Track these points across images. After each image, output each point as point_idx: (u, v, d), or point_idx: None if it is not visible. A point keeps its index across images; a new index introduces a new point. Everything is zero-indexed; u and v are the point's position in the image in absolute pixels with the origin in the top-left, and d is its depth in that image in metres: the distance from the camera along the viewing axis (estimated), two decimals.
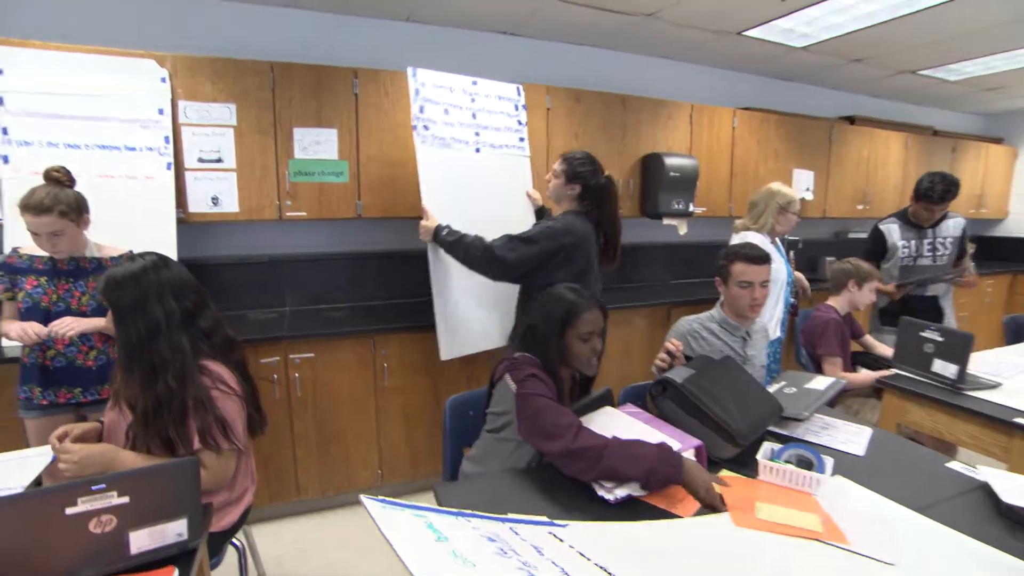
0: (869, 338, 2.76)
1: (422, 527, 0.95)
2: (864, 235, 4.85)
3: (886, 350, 2.62)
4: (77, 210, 1.79)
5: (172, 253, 2.36)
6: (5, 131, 2.20)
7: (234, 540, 1.59)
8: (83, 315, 1.84)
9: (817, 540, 1.11)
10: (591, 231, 2.24)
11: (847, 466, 1.41)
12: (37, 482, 1.37)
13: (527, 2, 2.89)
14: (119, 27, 2.61)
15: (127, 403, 1.33)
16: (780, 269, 2.55)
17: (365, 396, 2.66)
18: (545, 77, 3.34)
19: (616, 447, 1.25)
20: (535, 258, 2.11)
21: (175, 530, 1.08)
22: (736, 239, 2.60)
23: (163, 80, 2.39)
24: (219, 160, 2.55)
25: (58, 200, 1.73)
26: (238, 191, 2.60)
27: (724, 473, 1.38)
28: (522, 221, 2.52)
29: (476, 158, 2.57)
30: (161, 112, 2.39)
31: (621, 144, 3.44)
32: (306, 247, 3.10)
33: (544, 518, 1.15)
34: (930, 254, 2.90)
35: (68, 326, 1.74)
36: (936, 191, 2.75)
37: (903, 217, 2.98)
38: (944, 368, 2.02)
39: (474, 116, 2.58)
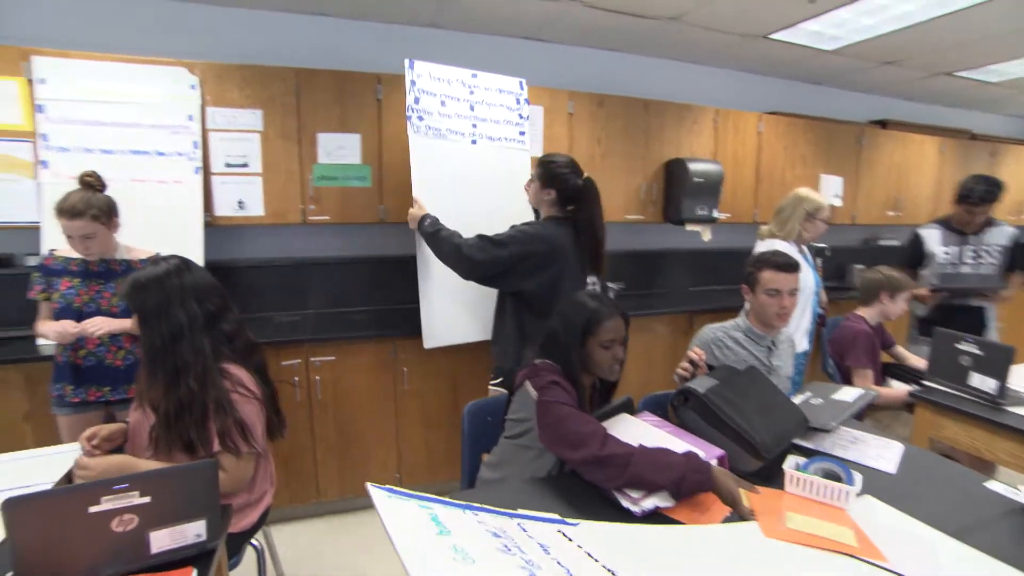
0: (900, 349, 2.66)
1: (426, 519, 0.94)
2: (896, 242, 4.77)
3: (918, 362, 2.53)
4: (108, 214, 1.85)
5: (199, 255, 2.42)
6: (45, 137, 2.28)
7: (253, 541, 1.60)
8: (113, 315, 1.88)
9: (851, 556, 1.06)
10: (570, 237, 2.14)
11: (877, 484, 1.35)
12: (67, 477, 1.40)
13: (550, 7, 2.88)
14: (152, 37, 2.69)
15: (150, 405, 1.35)
16: (807, 278, 2.47)
17: (384, 399, 2.68)
18: (567, 82, 3.32)
19: (643, 455, 1.24)
20: (503, 262, 2.04)
21: (194, 531, 1.09)
22: (761, 246, 2.53)
23: (193, 87, 2.45)
24: (245, 165, 2.60)
25: (90, 204, 1.79)
26: (263, 195, 2.65)
27: None
28: (519, 216, 2.47)
29: (472, 150, 2.56)
30: (191, 118, 2.45)
31: (644, 149, 3.40)
32: (329, 251, 3.14)
33: (556, 516, 1.12)
34: (972, 262, 2.78)
35: (98, 325, 1.79)
36: (976, 192, 2.65)
37: (945, 223, 2.87)
38: (982, 382, 1.94)
39: (472, 108, 2.57)
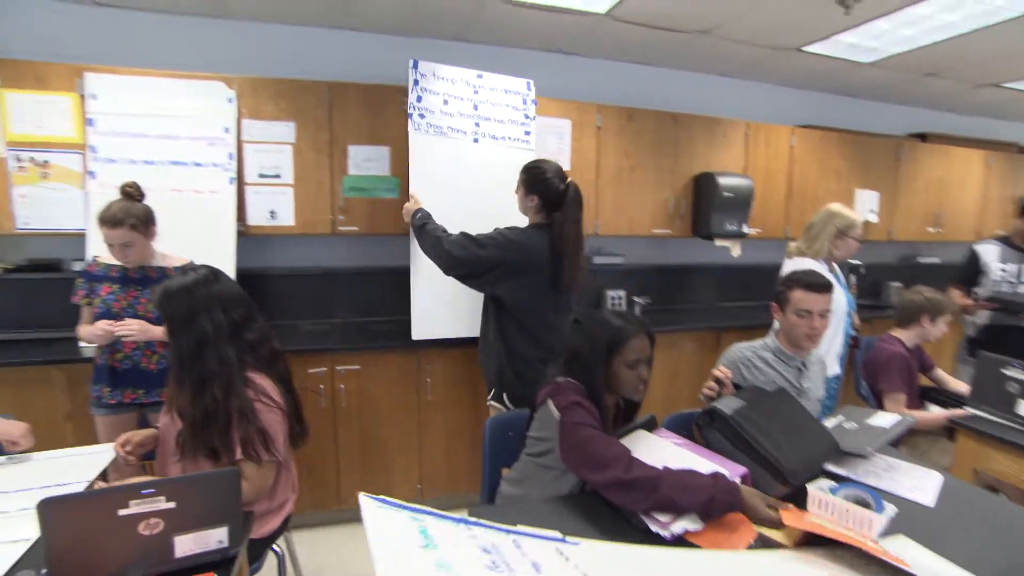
0: (941, 372, 2.55)
1: (414, 532, 0.93)
2: (936, 260, 4.60)
3: (960, 386, 2.41)
4: (145, 223, 1.92)
5: (231, 263, 2.49)
6: (94, 149, 2.40)
7: (274, 546, 1.62)
8: (149, 320, 1.95)
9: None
10: (548, 247, 2.08)
11: (913, 517, 1.28)
12: (103, 476, 1.45)
13: (578, 21, 2.90)
14: (193, 53, 2.80)
15: (178, 411, 1.39)
16: (839, 299, 2.38)
17: (407, 409, 2.69)
18: (596, 95, 3.32)
19: (670, 477, 1.22)
20: (478, 262, 2.04)
21: (216, 537, 1.11)
22: (789, 265, 2.45)
23: (230, 100, 2.54)
24: (278, 176, 2.68)
25: (129, 214, 1.87)
26: (294, 205, 2.72)
27: None
28: (519, 215, 2.46)
29: (473, 148, 2.58)
30: (227, 130, 2.54)
31: (673, 163, 3.37)
32: (357, 261, 3.19)
33: (557, 534, 1.10)
34: None
35: (130, 328, 1.85)
36: None
37: (1005, 240, 2.76)
38: None
39: (476, 107, 2.59)
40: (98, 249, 2.07)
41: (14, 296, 2.67)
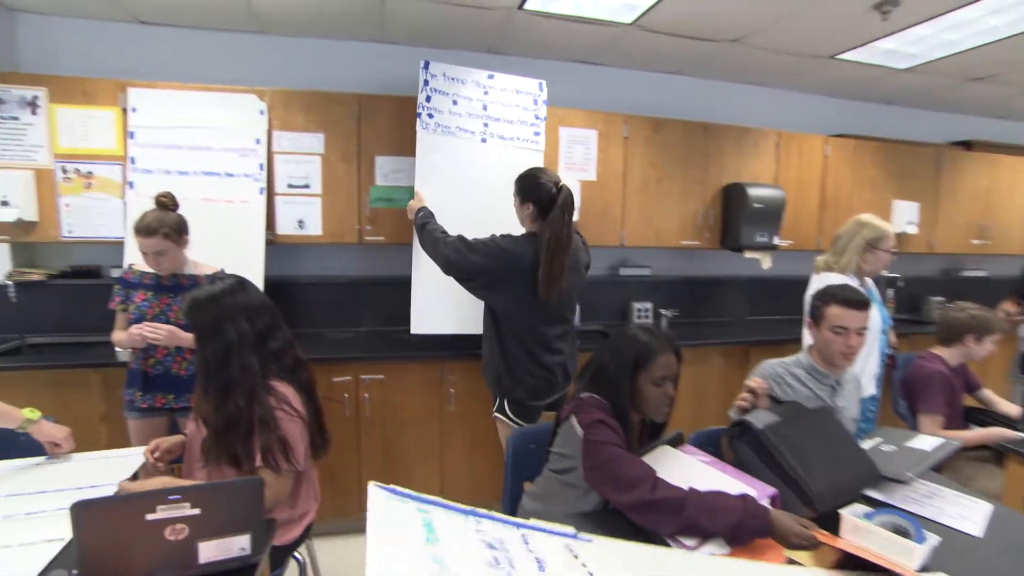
0: (989, 393, 2.42)
1: (418, 524, 0.92)
2: (983, 273, 4.41)
3: (1012, 408, 2.29)
4: (178, 232, 1.99)
5: (260, 271, 2.55)
6: (133, 161, 2.50)
7: (296, 554, 1.64)
8: (181, 327, 2.00)
9: None
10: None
11: (958, 549, 1.21)
12: (134, 478, 1.50)
13: (606, 32, 2.90)
14: (227, 66, 2.91)
15: (203, 419, 1.43)
16: (874, 315, 2.27)
17: (430, 420, 2.70)
18: (623, 105, 3.31)
19: (696, 499, 1.19)
20: (469, 267, 2.06)
21: (239, 544, 1.12)
22: (816, 280, 2.34)
23: (261, 112, 2.62)
24: (307, 186, 2.74)
25: (163, 223, 1.93)
26: (322, 215, 2.77)
27: None
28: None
29: (481, 148, 2.60)
30: (258, 142, 2.61)
31: (702, 174, 3.33)
32: (383, 270, 3.23)
33: (570, 529, 1.08)
34: None
35: (158, 332, 1.90)
36: None
37: None
38: None
39: (485, 108, 2.61)
40: (134, 257, 2.14)
41: (57, 301, 2.79)
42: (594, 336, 3.39)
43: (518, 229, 2.16)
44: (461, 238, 2.12)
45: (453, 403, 2.70)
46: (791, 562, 1.14)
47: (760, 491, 1.29)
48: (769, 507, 1.22)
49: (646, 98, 3.51)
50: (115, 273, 2.69)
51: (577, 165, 3.08)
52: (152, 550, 1.06)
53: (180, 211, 2.06)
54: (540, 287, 2.02)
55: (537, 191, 2.06)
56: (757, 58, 3.23)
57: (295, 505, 1.52)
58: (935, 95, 3.85)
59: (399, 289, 3.21)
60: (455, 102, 2.56)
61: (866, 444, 1.62)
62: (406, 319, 3.22)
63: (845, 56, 3.14)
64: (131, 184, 2.50)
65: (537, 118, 2.74)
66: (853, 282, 2.26)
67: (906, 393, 2.32)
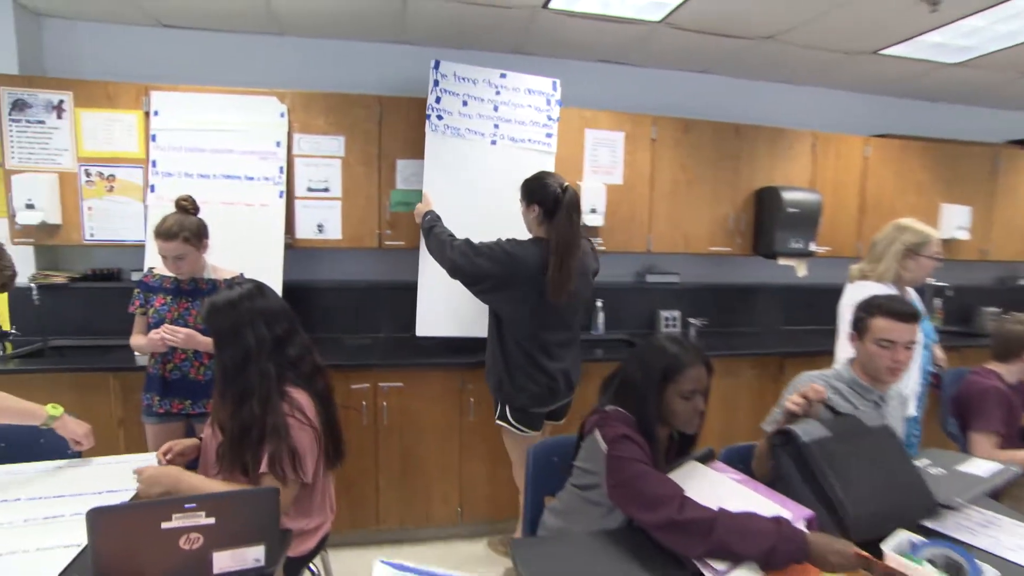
0: None
1: None
2: None
3: None
4: (198, 236, 2.03)
5: (279, 276, 2.59)
6: (155, 164, 2.57)
7: (310, 565, 1.65)
8: (200, 331, 2.04)
9: None
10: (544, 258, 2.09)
11: None
12: None
13: (634, 30, 2.88)
14: (247, 69, 2.98)
15: (219, 425, 1.45)
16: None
17: (449, 430, 2.70)
18: (651, 106, 3.29)
19: (727, 520, 1.16)
20: (474, 271, 2.10)
21: (253, 555, 1.13)
22: (850, 290, 2.25)
23: (282, 115, 2.67)
24: (326, 189, 2.78)
25: (183, 227, 1.98)
26: (342, 219, 2.81)
27: None
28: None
29: (490, 150, 2.62)
30: (278, 144, 2.66)
31: (733, 176, 3.28)
32: (403, 275, 3.25)
33: None
34: None
35: (177, 333, 1.94)
36: None
37: None
38: None
39: (496, 108, 2.63)
40: (155, 261, 2.19)
41: (78, 304, 2.87)
42: (619, 345, 3.36)
43: (527, 233, 2.19)
44: (468, 242, 2.16)
45: (473, 413, 2.69)
46: None
47: (796, 513, 1.25)
48: (805, 530, 1.18)
49: (674, 98, 3.48)
50: (135, 277, 2.78)
51: (603, 168, 3.06)
52: (166, 559, 1.08)
53: (200, 215, 2.11)
54: (550, 290, 2.05)
55: (542, 192, 2.10)
56: (792, 55, 3.17)
57: (310, 516, 1.53)
58: (989, 91, 3.72)
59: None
60: (465, 103, 2.59)
61: None
62: None
63: (889, 51, 3.06)
64: (152, 187, 2.57)
65: (550, 119, 2.74)
66: (891, 291, 2.18)
67: (957, 410, 2.22)
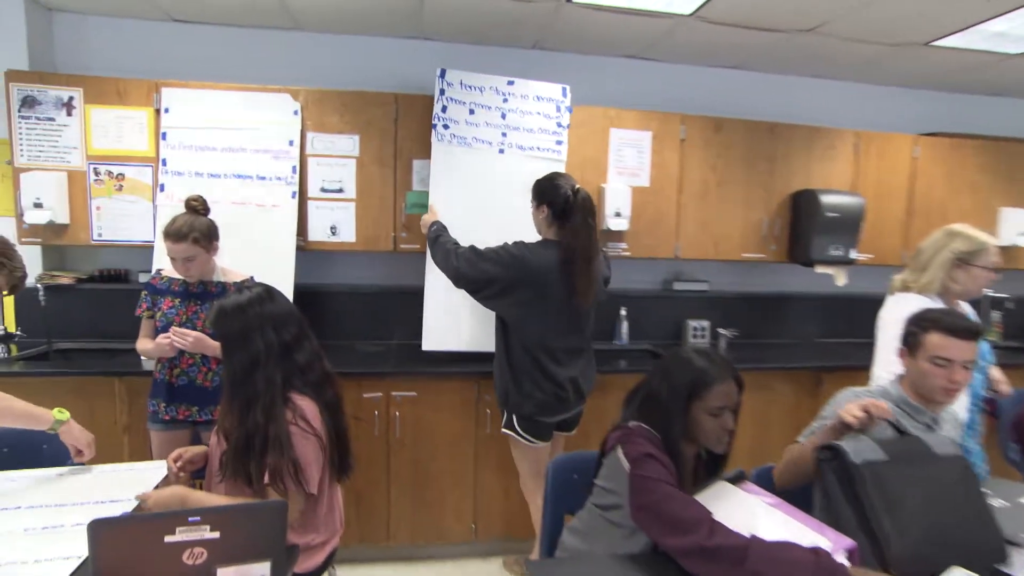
0: None
1: None
2: None
3: None
4: (208, 237, 2.05)
5: (290, 279, 2.61)
6: (165, 163, 2.62)
7: None
8: (209, 335, 2.06)
9: None
10: (556, 262, 2.12)
11: None
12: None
13: (661, 24, 2.86)
14: (260, 65, 3.03)
15: (224, 433, 1.45)
16: None
17: (464, 442, 2.69)
18: (680, 104, 3.26)
19: (761, 548, 1.12)
20: (480, 276, 2.14)
21: (259, 571, 1.12)
22: (891, 302, 2.12)
23: (295, 113, 2.70)
24: (340, 190, 2.80)
25: (193, 228, 2.00)
26: (355, 221, 2.82)
27: None
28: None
29: (498, 159, 2.66)
30: (291, 143, 2.69)
31: (768, 179, 3.23)
32: (419, 280, 3.24)
33: None
34: None
35: (186, 336, 1.97)
36: None
37: None
38: None
39: (503, 116, 2.65)
40: (163, 262, 2.22)
41: (85, 305, 2.93)
42: (643, 356, 3.32)
43: (529, 239, 2.22)
44: (472, 248, 2.21)
45: (489, 424, 2.67)
46: None
47: (836, 542, 1.19)
48: (847, 563, 1.13)
49: (704, 95, 3.44)
50: (143, 278, 2.82)
51: (628, 170, 3.03)
52: (169, 574, 1.08)
53: (210, 215, 2.13)
54: (577, 294, 2.13)
55: (552, 193, 2.15)
56: (832, 48, 3.11)
57: (317, 530, 1.52)
58: None
59: None
60: (472, 111, 2.63)
61: None
62: None
63: (942, 42, 2.97)
64: (162, 186, 2.61)
65: (560, 126, 2.75)
66: (934, 304, 2.00)
67: (1019, 435, 2.14)
